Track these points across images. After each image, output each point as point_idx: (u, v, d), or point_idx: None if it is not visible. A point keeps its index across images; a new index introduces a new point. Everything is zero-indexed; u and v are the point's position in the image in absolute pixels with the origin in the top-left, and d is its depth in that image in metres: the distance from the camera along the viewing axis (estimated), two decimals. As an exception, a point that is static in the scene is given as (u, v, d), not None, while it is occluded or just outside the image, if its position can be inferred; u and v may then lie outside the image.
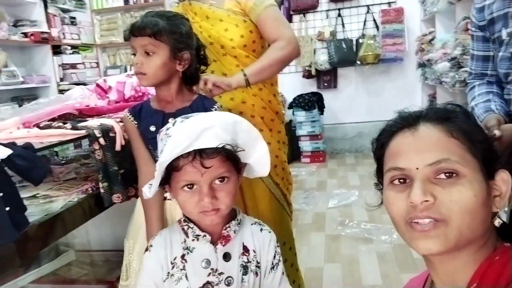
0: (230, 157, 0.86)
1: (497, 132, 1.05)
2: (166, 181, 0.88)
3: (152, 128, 1.23)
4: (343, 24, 4.92)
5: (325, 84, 5.15)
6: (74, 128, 1.37)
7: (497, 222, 0.68)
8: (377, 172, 0.77)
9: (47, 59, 3.71)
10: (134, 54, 1.22)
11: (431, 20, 4.19)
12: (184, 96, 1.28)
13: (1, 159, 0.89)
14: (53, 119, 1.54)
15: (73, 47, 4.08)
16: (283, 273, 0.97)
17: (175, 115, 1.23)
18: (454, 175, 0.64)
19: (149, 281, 0.91)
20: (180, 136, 0.82)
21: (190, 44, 1.25)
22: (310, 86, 5.18)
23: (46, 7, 3.65)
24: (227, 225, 0.91)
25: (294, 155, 4.98)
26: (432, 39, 4.00)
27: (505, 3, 1.26)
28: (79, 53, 4.13)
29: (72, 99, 1.76)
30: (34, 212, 1.10)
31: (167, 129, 0.88)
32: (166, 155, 0.82)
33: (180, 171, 0.84)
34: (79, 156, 1.82)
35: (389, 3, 4.77)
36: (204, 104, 1.30)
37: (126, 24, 4.37)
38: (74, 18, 4.12)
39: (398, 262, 2.35)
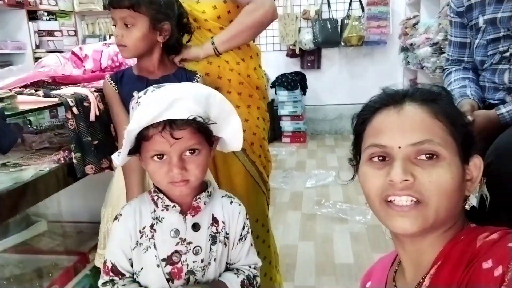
0: (201, 129, 0.85)
1: (469, 118, 1.07)
2: (137, 150, 0.87)
3: (135, 94, 1.20)
4: (329, 4, 4.88)
5: (309, 64, 5.13)
6: (46, 95, 1.33)
7: (467, 205, 0.71)
8: (354, 148, 0.77)
9: (22, 25, 3.57)
10: (115, 25, 1.20)
11: (416, 4, 4.20)
12: (166, 66, 1.29)
13: (-33, 124, 0.85)
14: (26, 86, 1.49)
15: (50, 13, 3.93)
16: (251, 244, 0.99)
17: (158, 81, 1.23)
18: (434, 156, 0.65)
19: (117, 249, 0.91)
20: (150, 105, 0.81)
21: (170, 14, 1.23)
22: (293, 66, 5.16)
23: (21, -31, 3.49)
24: (198, 196, 0.91)
25: (275, 134, 4.99)
26: (416, 24, 4.01)
27: None
28: (56, 20, 3.98)
29: (46, 67, 1.71)
30: (3, 180, 1.07)
31: (138, 98, 0.86)
32: (134, 123, 0.80)
33: (150, 141, 0.83)
34: (54, 125, 1.77)
35: (375, -15, 4.73)
36: (186, 74, 1.31)
37: (107, -8, 4.23)
38: (51, -18, 3.95)
39: (371, 242, 2.41)
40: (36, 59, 3.64)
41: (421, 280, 0.67)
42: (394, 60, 4.79)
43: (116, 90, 1.26)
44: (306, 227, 2.71)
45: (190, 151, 0.85)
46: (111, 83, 1.27)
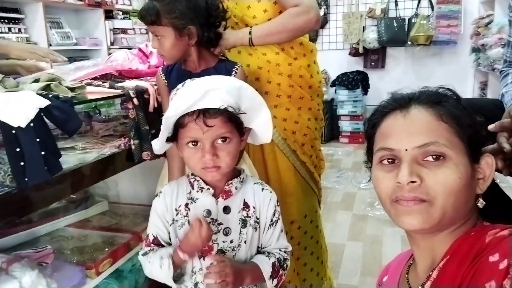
0: (232, 118, 0.91)
1: None
2: (174, 138, 0.95)
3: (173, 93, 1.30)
4: (396, 2, 4.73)
5: (372, 63, 5.02)
6: (111, 87, 1.47)
7: (480, 203, 0.71)
8: (367, 151, 0.80)
9: (99, 23, 3.88)
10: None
11: (490, 3, 3.94)
12: (207, 60, 1.35)
13: (40, 109, 0.99)
14: (95, 78, 1.66)
15: (125, 12, 4.22)
16: (281, 230, 1.04)
17: (199, 75, 1.30)
18: (441, 157, 0.67)
19: (158, 222, 1.00)
20: (186, 95, 0.89)
21: (193, 16, 1.25)
22: (356, 65, 5.07)
23: (101, -28, 3.79)
24: (230, 182, 0.98)
25: (333, 134, 4.94)
26: (489, 23, 3.78)
27: None
28: (130, 19, 4.26)
29: (114, 61, 1.87)
30: (70, 160, 1.21)
31: (177, 90, 0.94)
32: (171, 111, 0.89)
33: (185, 128, 0.91)
34: (120, 115, 1.94)
35: (447, -18, 4.51)
36: (226, 66, 1.36)
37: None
38: (127, -16, 4.24)
39: (422, 247, 2.34)
40: (110, 55, 3.94)
41: (430, 273, 0.69)
42: (465, 61, 4.54)
43: (165, 82, 1.36)
44: (356, 227, 2.68)
45: (221, 139, 0.91)
46: (161, 76, 1.38)
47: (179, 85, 0.96)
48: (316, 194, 1.76)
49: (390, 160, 0.71)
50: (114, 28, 4.03)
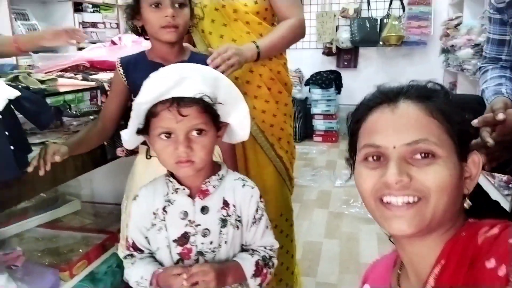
0: (208, 109, 0.86)
1: (500, 116, 1.03)
2: (146, 129, 0.89)
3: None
4: (368, 2, 4.80)
5: (345, 63, 5.07)
6: (84, 79, 1.40)
7: (466, 204, 0.68)
8: (350, 147, 0.76)
9: (68, 16, 3.72)
10: (157, 5, 1.13)
11: (459, 5, 4.06)
12: (181, 50, 1.26)
13: (10, 100, 0.92)
14: (65, 70, 1.57)
15: (94, 5, 4.07)
16: (267, 227, 0.99)
17: None
18: (430, 155, 0.63)
19: (135, 227, 0.96)
20: (159, 81, 0.84)
21: None
22: (329, 64, 5.11)
23: (69, -37, 3.65)
24: (207, 180, 0.93)
25: (307, 133, 4.96)
26: (458, 24, 3.88)
27: None
28: (100, 12, 4.12)
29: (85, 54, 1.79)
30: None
31: (149, 77, 0.88)
32: (142, 97, 0.84)
33: (157, 117, 0.85)
34: (92, 111, 1.85)
35: (418, -15, 4.62)
36: (201, 59, 1.27)
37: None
38: (97, -24, 4.10)
39: (397, 244, 2.37)
40: (80, 49, 3.79)
41: (426, 281, 0.65)
42: (434, 61, 4.65)
43: (124, 77, 1.22)
44: (332, 225, 2.69)
45: (196, 131, 0.86)
46: (119, 69, 1.23)
47: (152, 73, 0.89)
48: (290, 191, 1.75)
49: (375, 157, 0.67)
50: (83, 22, 3.88)
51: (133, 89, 1.21)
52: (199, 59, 1.23)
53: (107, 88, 1.32)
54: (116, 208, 1.64)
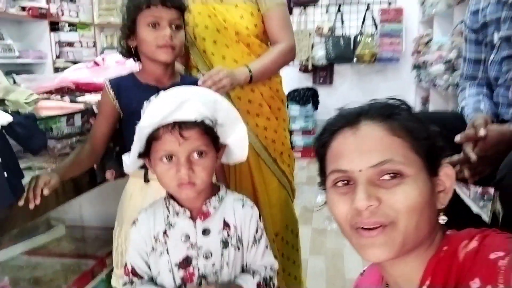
0: (208, 131, 0.88)
1: (482, 132, 1.08)
2: (146, 153, 0.90)
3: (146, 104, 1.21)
4: (342, 21, 4.94)
5: (321, 79, 5.18)
6: (72, 101, 1.38)
7: (441, 220, 0.67)
8: (320, 172, 0.74)
9: (44, 35, 3.68)
10: (155, 25, 1.13)
11: (429, 22, 4.23)
12: (174, 72, 1.26)
13: (2, 126, 0.90)
14: (50, 92, 1.55)
15: (71, 24, 4.04)
16: (266, 246, 1.00)
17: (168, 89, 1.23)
18: (398, 175, 0.63)
19: (135, 253, 0.95)
20: (161, 105, 0.85)
21: None
22: (306, 81, 5.20)
23: (45, -18, 3.62)
24: (207, 201, 0.94)
25: (286, 148, 5.00)
26: (429, 41, 4.04)
27: (498, 7, 1.29)
28: (76, 31, 4.09)
29: (69, 75, 1.77)
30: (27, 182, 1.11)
31: (150, 101, 0.90)
32: (145, 120, 0.85)
33: (159, 140, 0.86)
34: (74, 133, 1.82)
35: (389, 3, 4.79)
36: (192, 80, 1.28)
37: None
38: (73, -5, 4.08)
39: (381, 257, 2.40)
40: (56, 69, 3.74)
41: None
42: (407, 77, 4.81)
43: (115, 100, 1.20)
44: (317, 242, 2.71)
45: (197, 153, 0.88)
46: (109, 90, 1.20)
47: (152, 97, 0.91)
48: (292, 202, 1.78)
49: (344, 182, 0.66)
50: (60, 41, 3.84)
51: (126, 112, 1.21)
52: (191, 81, 1.24)
53: (95, 110, 1.31)
54: (103, 232, 1.61)
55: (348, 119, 0.69)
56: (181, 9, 1.16)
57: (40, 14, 3.51)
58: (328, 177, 0.69)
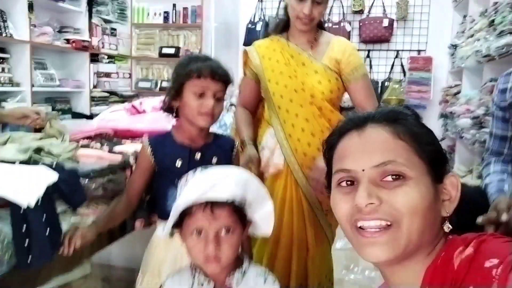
0: (237, 210, 0.94)
1: (504, 217, 1.09)
2: (179, 224, 0.97)
3: (179, 163, 1.28)
4: (370, 65, 4.99)
5: (346, 120, 5.20)
6: (110, 151, 1.47)
7: (446, 227, 0.67)
8: (327, 175, 0.76)
9: (84, 66, 3.87)
10: (201, 95, 1.23)
11: (458, 73, 4.24)
12: (208, 133, 1.34)
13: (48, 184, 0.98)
14: (90, 138, 1.65)
15: (110, 56, 4.25)
16: None
17: (201, 150, 1.31)
18: (400, 177, 0.64)
19: None
20: (196, 185, 0.92)
21: None
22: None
23: (90, 16, 3.83)
24: (231, 274, 0.99)
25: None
26: (457, 93, 4.04)
27: None
28: (114, 63, 4.29)
29: (109, 120, 1.88)
30: (66, 229, 1.18)
31: (187, 179, 0.97)
32: (182, 200, 0.92)
33: (192, 217, 0.93)
34: (106, 171, 1.90)
35: (418, 51, 4.84)
36: (225, 141, 1.39)
37: (163, 40, 4.52)
38: (114, 29, 4.30)
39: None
40: (92, 98, 3.92)
41: None
42: (433, 125, 4.75)
43: (151, 156, 1.28)
44: (334, 291, 2.68)
45: (225, 229, 0.93)
46: (148, 149, 1.28)
47: (190, 174, 0.98)
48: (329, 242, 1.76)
49: (348, 182, 0.68)
50: (98, 72, 4.04)
51: (160, 167, 1.30)
52: (223, 141, 1.36)
53: (131, 162, 1.39)
54: (128, 274, 1.66)
55: (355, 122, 0.71)
56: (227, 83, 1.26)
57: (83, 47, 3.71)
58: (333, 177, 0.72)
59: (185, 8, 4.44)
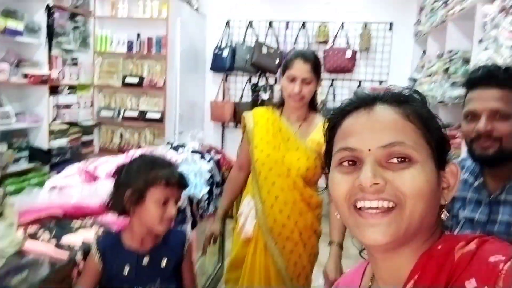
0: None
1: None
2: None
3: (126, 270, 1.29)
4: (334, 94, 5.10)
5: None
6: (58, 243, 1.42)
7: (443, 215, 0.66)
8: (326, 154, 0.74)
9: (43, 99, 3.74)
10: (165, 202, 1.26)
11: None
12: (157, 235, 1.34)
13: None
14: (39, 221, 1.59)
15: (71, 87, 4.14)
16: None
17: (150, 253, 1.31)
18: (406, 160, 0.62)
19: None
20: None
21: None
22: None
23: (50, 48, 3.73)
24: None
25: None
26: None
27: (465, 187, 1.38)
28: (75, 93, 4.18)
29: (59, 192, 1.84)
30: None
31: None
32: None
33: None
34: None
35: (380, 82, 4.98)
36: (176, 237, 1.40)
37: (127, 69, 4.45)
38: (76, 58, 4.19)
39: None
40: (51, 131, 3.81)
41: None
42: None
43: (100, 262, 1.29)
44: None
45: None
46: (96, 256, 1.30)
47: None
48: None
49: (350, 162, 0.65)
50: (57, 104, 3.93)
51: (107, 274, 1.29)
52: (173, 237, 1.38)
53: (78, 258, 1.36)
54: None
55: (364, 100, 0.68)
56: (185, 188, 1.32)
57: (41, 81, 3.61)
58: (334, 157, 0.68)
59: (149, 38, 4.38)
